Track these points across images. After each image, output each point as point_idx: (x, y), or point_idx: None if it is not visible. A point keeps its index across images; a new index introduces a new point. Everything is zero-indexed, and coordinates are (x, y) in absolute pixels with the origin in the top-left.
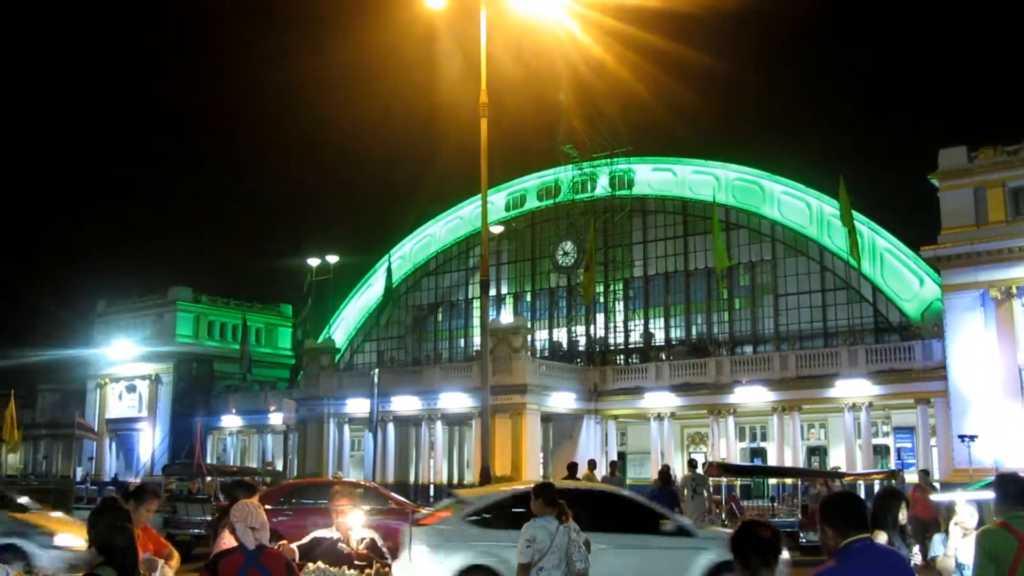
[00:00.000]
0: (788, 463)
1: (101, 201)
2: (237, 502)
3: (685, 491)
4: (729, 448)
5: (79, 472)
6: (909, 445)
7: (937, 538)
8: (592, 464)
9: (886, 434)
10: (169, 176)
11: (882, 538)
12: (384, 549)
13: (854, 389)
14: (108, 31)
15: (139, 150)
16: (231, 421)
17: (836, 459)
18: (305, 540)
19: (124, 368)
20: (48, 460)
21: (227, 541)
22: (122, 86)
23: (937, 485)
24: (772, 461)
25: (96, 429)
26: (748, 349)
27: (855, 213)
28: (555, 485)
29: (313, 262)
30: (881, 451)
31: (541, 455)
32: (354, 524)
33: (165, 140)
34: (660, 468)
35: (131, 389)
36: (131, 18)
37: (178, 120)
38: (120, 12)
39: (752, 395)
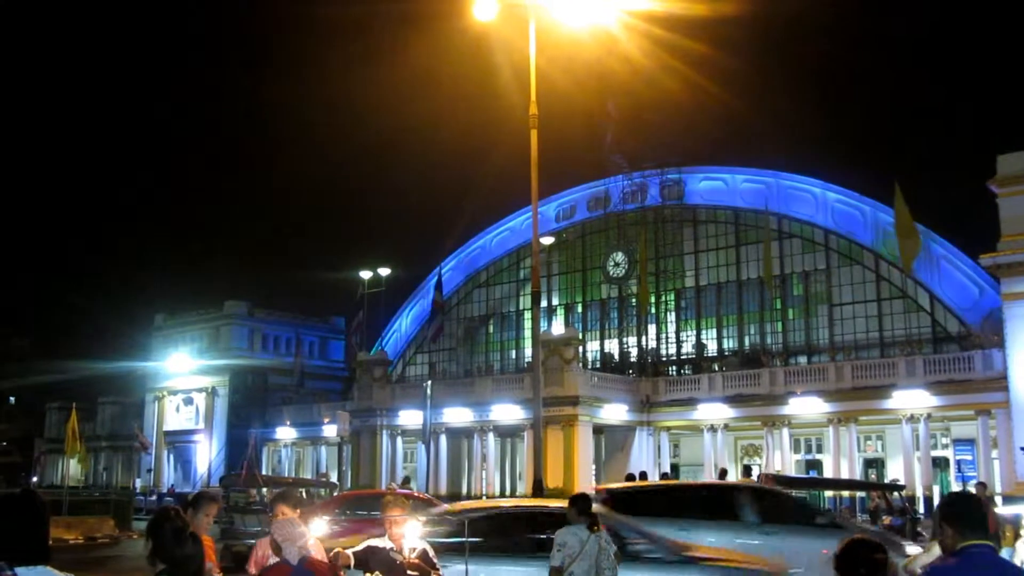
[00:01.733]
0: (844, 475)
1: (159, 217)
2: (278, 519)
3: None
4: (784, 460)
5: (138, 484)
6: (970, 457)
7: (1005, 552)
8: (643, 476)
9: (945, 446)
10: (225, 192)
11: (938, 549)
12: (436, 559)
13: (912, 400)
14: (167, 50)
15: (197, 167)
16: (285, 433)
17: (894, 471)
18: (359, 548)
19: (181, 381)
20: (108, 472)
21: (261, 552)
22: (180, 103)
23: (999, 499)
24: (828, 474)
25: (154, 441)
26: (802, 360)
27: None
28: (590, 496)
29: (365, 275)
30: (940, 463)
31: (593, 467)
32: (407, 534)
33: (222, 157)
34: (719, 471)
35: (188, 402)
36: (190, 37)
37: (234, 137)
38: (179, 32)
39: (807, 406)
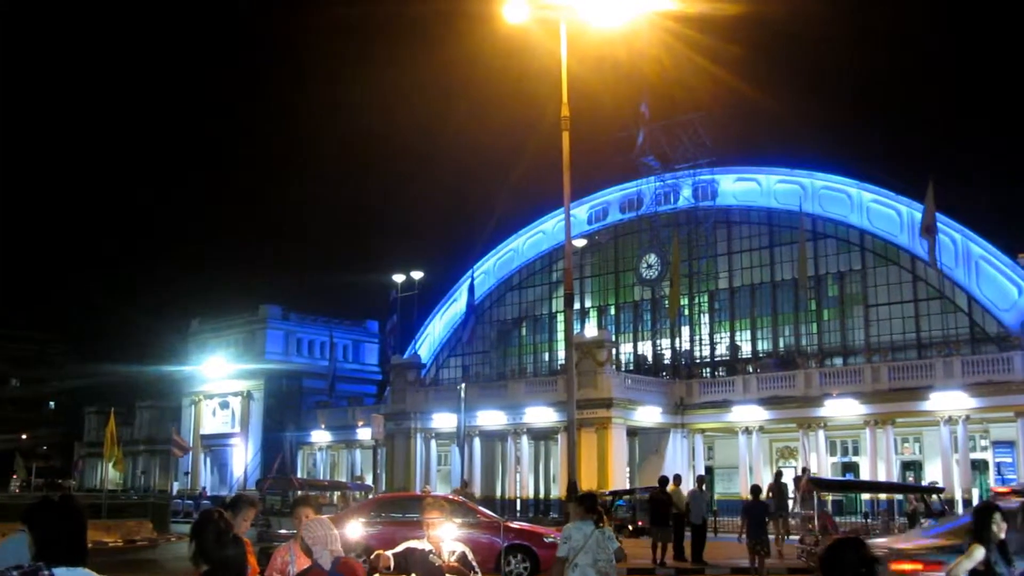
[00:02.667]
0: (881, 478)
1: (194, 223)
2: (307, 521)
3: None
4: (820, 462)
5: (175, 487)
6: (1009, 460)
7: None
8: (677, 479)
9: (984, 448)
10: (259, 196)
11: (979, 553)
12: (474, 562)
13: (950, 402)
14: (202, 55)
15: (232, 172)
16: (320, 436)
17: (932, 474)
18: (398, 550)
19: (217, 385)
20: (146, 475)
21: (280, 560)
22: (216, 109)
23: None
24: (865, 476)
25: (191, 445)
26: (838, 361)
27: (950, 220)
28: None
29: (398, 278)
30: (979, 466)
31: (627, 469)
32: (445, 536)
33: (257, 162)
34: (751, 486)
35: (224, 405)
36: (225, 42)
37: (269, 141)
38: (213, 37)
39: (843, 408)
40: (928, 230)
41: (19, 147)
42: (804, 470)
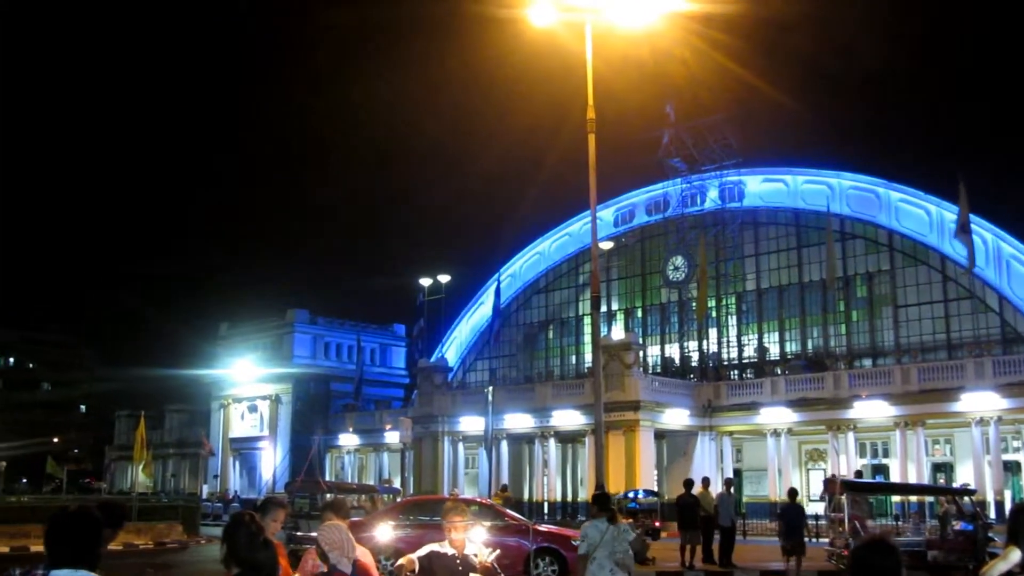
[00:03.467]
0: (912, 480)
1: (222, 228)
2: (323, 526)
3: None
4: (849, 465)
5: (205, 490)
6: None
7: None
8: (706, 481)
9: (1017, 450)
10: (285, 201)
11: (1016, 555)
12: (496, 566)
13: (981, 403)
14: (227, 61)
15: (258, 177)
16: (348, 439)
17: (964, 476)
18: (422, 553)
19: (245, 389)
20: (176, 478)
21: (311, 563)
22: (244, 115)
23: None
24: (895, 478)
25: (220, 448)
26: (867, 362)
27: (980, 219)
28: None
29: (425, 282)
30: (1012, 467)
31: (655, 472)
32: (471, 539)
33: (283, 166)
34: (789, 488)
35: (252, 409)
36: (249, 45)
37: (293, 148)
38: (237, 40)
39: (872, 410)
40: (963, 230)
41: (52, 152)
42: (832, 477)
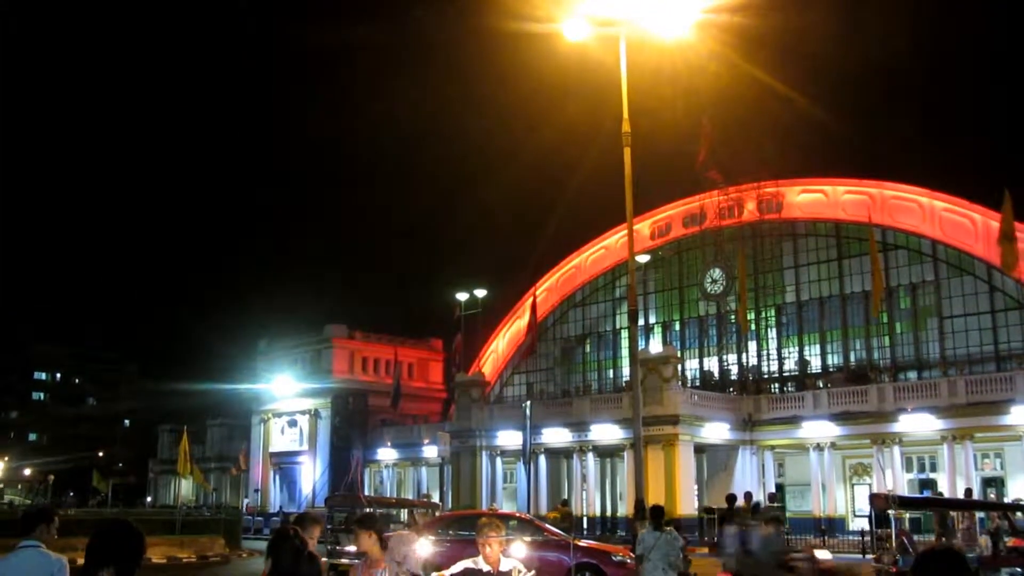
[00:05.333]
0: (961, 495)
1: (262, 245)
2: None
3: None
4: (895, 479)
5: (245, 504)
6: None
7: None
8: (748, 496)
9: None
10: (324, 218)
11: None
12: None
13: None
14: (262, 81)
15: (297, 196)
16: (387, 454)
17: (1015, 491)
18: (456, 570)
19: (285, 403)
20: (217, 492)
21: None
22: (277, 137)
23: None
24: (943, 493)
25: (260, 462)
26: (912, 375)
27: None
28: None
29: (462, 296)
30: None
31: (696, 487)
32: (509, 555)
33: (321, 183)
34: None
35: (292, 423)
36: (282, 66)
37: (330, 165)
38: (270, 62)
39: (918, 423)
40: (1006, 237)
41: (100, 172)
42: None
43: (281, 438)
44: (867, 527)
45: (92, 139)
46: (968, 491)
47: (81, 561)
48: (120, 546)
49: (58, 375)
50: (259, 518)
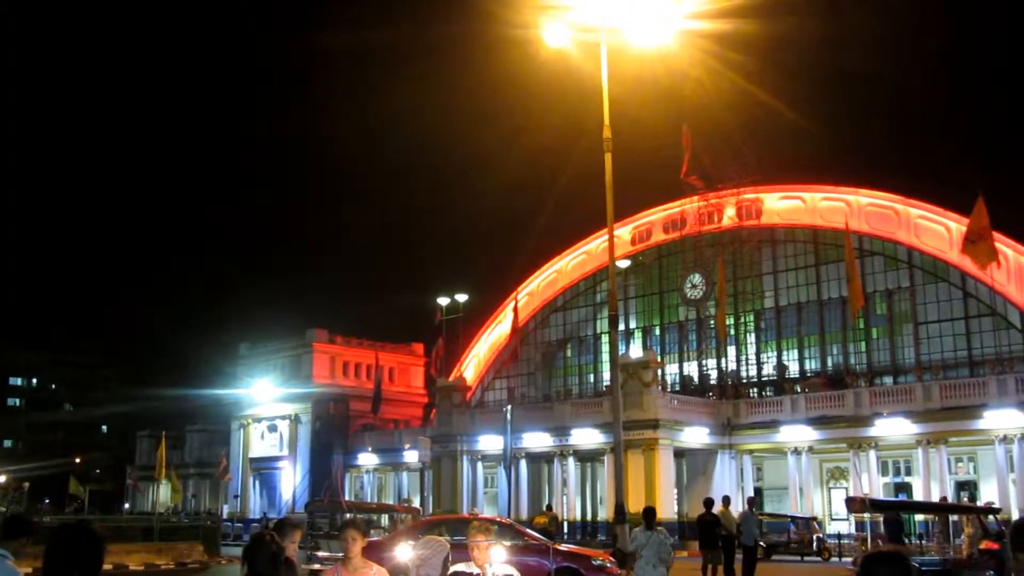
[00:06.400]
0: (935, 499)
1: (241, 249)
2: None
3: None
4: (871, 483)
5: (225, 510)
6: None
7: None
8: (726, 500)
9: None
10: (305, 223)
11: None
12: None
13: (1005, 420)
14: (244, 86)
15: (277, 200)
16: (367, 459)
17: (988, 494)
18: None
19: (265, 409)
20: (196, 498)
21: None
22: (256, 134)
23: None
24: (918, 497)
25: (240, 468)
26: (888, 380)
27: (1001, 236)
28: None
29: (443, 301)
30: None
31: (675, 490)
32: (492, 559)
33: (301, 187)
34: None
35: (272, 429)
36: (259, 71)
37: (311, 169)
38: (250, 66)
39: (894, 428)
40: (972, 240)
41: (76, 174)
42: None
43: (261, 443)
44: (844, 530)
45: (75, 140)
46: (944, 499)
47: None
48: (84, 552)
49: (34, 381)
50: (239, 524)
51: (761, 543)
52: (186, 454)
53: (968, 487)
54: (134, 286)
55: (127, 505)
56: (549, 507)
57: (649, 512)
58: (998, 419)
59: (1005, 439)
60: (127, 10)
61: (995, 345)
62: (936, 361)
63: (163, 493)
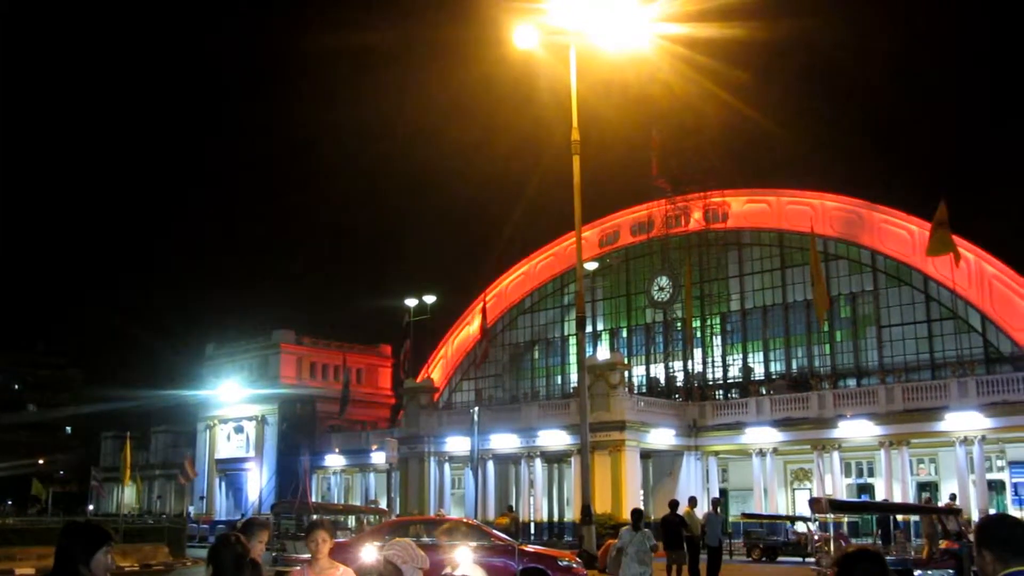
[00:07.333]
0: (897, 499)
1: (208, 249)
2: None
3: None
4: (835, 484)
5: (191, 511)
6: None
7: None
8: (692, 501)
9: (1001, 469)
10: (270, 221)
11: None
12: None
13: (965, 422)
14: (212, 85)
15: (244, 200)
16: (334, 460)
17: (948, 495)
18: None
19: (232, 410)
20: (162, 499)
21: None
22: (227, 138)
23: None
24: (880, 497)
25: (206, 469)
26: (851, 382)
27: (963, 240)
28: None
29: (411, 302)
30: (996, 487)
31: (641, 492)
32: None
33: (267, 186)
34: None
35: (239, 430)
36: (232, 70)
37: (278, 167)
38: (220, 65)
39: (857, 429)
40: (934, 231)
41: (40, 171)
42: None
43: (227, 445)
44: (797, 529)
45: (38, 138)
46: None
47: (19, 571)
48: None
49: None
50: (204, 526)
51: (760, 544)
52: (151, 455)
53: (929, 488)
54: (100, 286)
55: (91, 507)
56: (510, 508)
57: (636, 513)
58: (959, 421)
59: (966, 441)
60: (73, 13)
61: (956, 348)
62: (899, 364)
63: (128, 495)
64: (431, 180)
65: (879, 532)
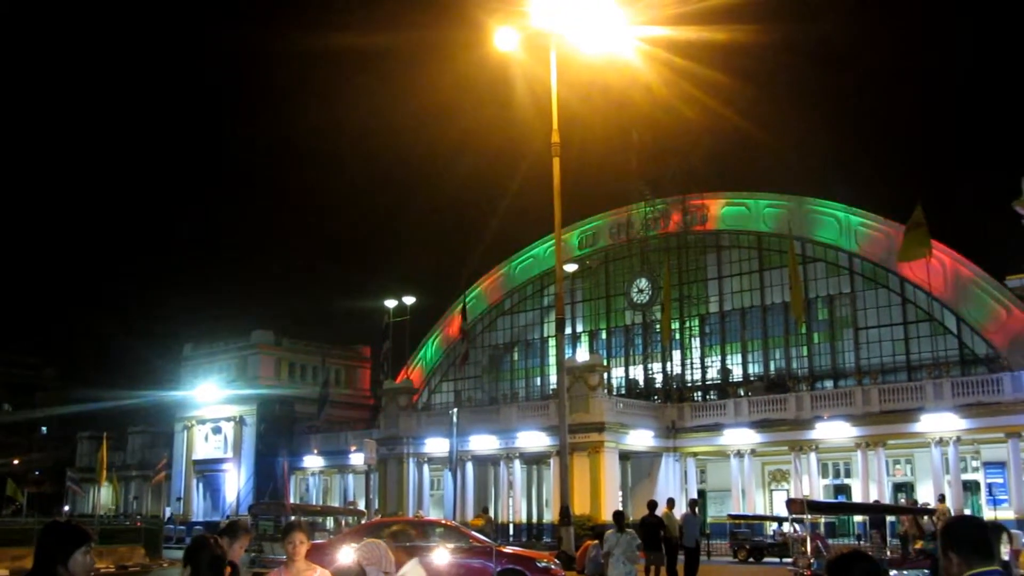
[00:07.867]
0: (873, 500)
1: (186, 248)
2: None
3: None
4: (812, 485)
5: (168, 512)
6: (1001, 480)
7: None
8: (671, 502)
9: (976, 469)
10: (249, 221)
11: None
12: None
13: (940, 423)
14: (192, 86)
15: (222, 199)
16: (313, 461)
17: (924, 495)
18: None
19: (210, 410)
20: (139, 500)
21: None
22: (206, 138)
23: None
24: (857, 498)
25: (183, 470)
26: (828, 384)
27: (939, 244)
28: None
29: (390, 304)
30: (971, 487)
31: (620, 493)
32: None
33: (245, 187)
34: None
35: (217, 431)
36: (211, 73)
37: (257, 167)
38: (201, 67)
39: (834, 431)
40: (906, 255)
41: (16, 173)
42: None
43: (205, 445)
44: (783, 530)
45: (11, 140)
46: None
47: None
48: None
49: None
50: (181, 527)
51: (747, 545)
52: (128, 456)
53: (905, 489)
54: (76, 285)
55: (67, 507)
56: (485, 509)
57: (618, 515)
58: (934, 422)
59: (941, 442)
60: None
61: (932, 350)
62: (875, 365)
63: (104, 495)
64: (411, 182)
65: (860, 533)
